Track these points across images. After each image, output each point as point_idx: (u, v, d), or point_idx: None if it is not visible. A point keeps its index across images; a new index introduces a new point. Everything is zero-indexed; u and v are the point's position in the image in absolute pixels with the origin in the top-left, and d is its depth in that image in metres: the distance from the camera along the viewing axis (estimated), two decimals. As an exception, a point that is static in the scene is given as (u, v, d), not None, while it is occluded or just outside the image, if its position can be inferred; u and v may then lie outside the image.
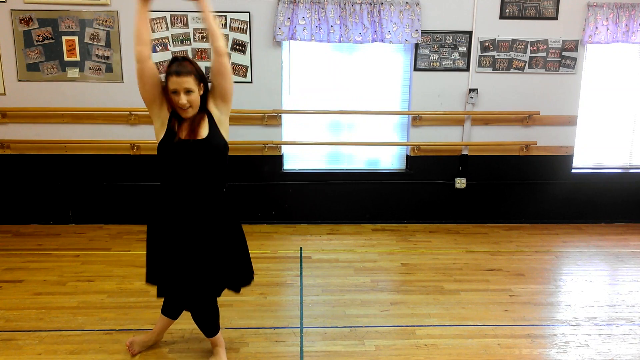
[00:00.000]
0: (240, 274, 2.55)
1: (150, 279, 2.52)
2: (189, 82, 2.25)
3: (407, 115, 4.99)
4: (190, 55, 4.65)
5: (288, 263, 4.11)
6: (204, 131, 2.34)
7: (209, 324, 2.59)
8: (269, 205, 5.04)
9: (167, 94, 2.32)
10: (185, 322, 2.86)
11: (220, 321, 2.65)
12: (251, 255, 2.61)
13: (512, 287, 3.67)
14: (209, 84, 2.43)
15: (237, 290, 2.58)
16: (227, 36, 4.64)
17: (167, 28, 4.61)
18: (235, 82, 4.73)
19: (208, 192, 2.38)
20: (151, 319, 3.02)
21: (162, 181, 2.42)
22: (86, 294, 3.45)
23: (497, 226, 5.11)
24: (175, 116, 2.36)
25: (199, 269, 2.40)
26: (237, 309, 3.22)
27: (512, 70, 4.85)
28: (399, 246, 4.52)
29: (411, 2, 4.60)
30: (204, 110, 2.38)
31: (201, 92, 2.33)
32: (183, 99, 2.25)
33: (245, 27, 4.65)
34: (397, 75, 4.96)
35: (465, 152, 5.01)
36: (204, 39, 4.64)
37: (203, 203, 2.37)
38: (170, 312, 2.71)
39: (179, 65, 2.26)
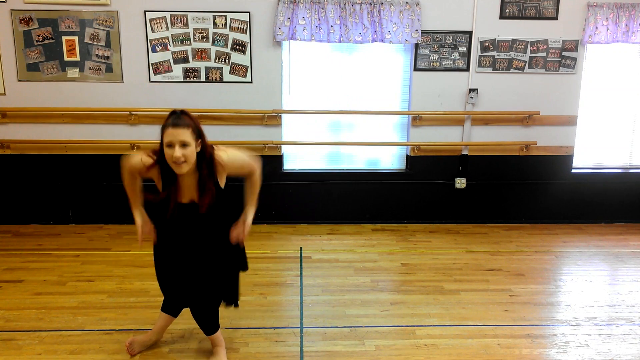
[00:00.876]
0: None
1: (165, 308, 2.66)
2: (186, 134, 2.15)
3: (407, 115, 4.99)
4: (190, 55, 4.65)
5: (288, 263, 4.11)
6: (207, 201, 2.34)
7: (209, 321, 2.60)
8: (269, 205, 5.04)
9: (160, 153, 2.23)
10: (185, 322, 2.86)
11: (220, 321, 2.66)
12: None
13: (512, 287, 3.67)
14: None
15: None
16: (227, 36, 4.64)
17: (167, 28, 4.61)
18: (235, 82, 4.75)
19: (211, 234, 2.46)
20: (151, 319, 3.02)
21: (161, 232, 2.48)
22: (86, 294, 3.44)
23: (497, 226, 5.11)
24: (170, 181, 2.30)
25: (203, 270, 2.46)
26: (237, 308, 3.21)
27: (512, 70, 4.85)
28: (399, 246, 4.52)
29: (411, 2, 4.60)
30: (210, 178, 2.32)
31: (198, 149, 2.23)
32: (178, 152, 2.14)
33: (245, 27, 4.64)
34: (397, 75, 4.95)
35: (465, 152, 5.01)
36: (204, 39, 4.64)
37: (205, 236, 2.46)
38: (171, 309, 2.71)
39: (176, 117, 2.19)
